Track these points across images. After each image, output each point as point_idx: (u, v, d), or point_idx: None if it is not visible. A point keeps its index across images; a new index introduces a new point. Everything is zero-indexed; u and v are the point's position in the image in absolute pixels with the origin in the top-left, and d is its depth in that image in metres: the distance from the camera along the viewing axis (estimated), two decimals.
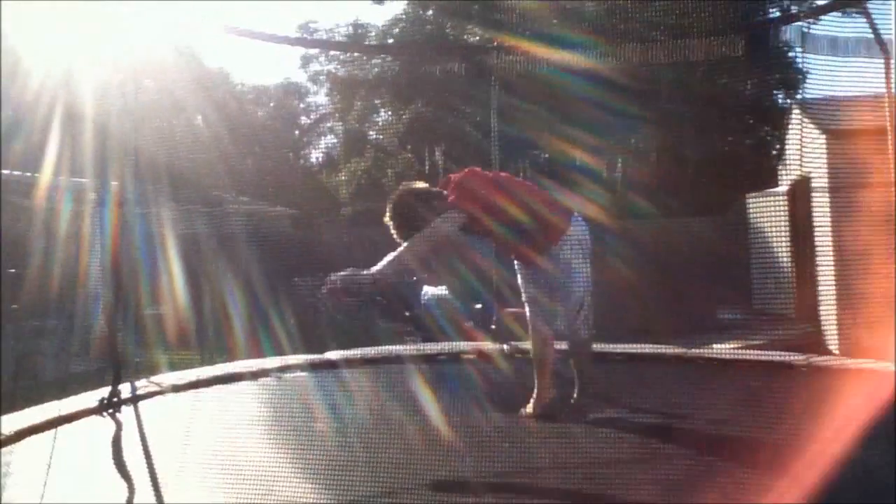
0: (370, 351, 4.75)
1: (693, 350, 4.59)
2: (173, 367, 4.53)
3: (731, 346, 5.74)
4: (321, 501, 2.52)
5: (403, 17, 13.39)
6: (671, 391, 3.65)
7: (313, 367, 4.42)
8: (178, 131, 4.89)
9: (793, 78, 9.21)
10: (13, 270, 3.87)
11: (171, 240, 6.22)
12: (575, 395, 3.28)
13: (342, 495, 2.50)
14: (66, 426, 3.31)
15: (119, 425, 3.45)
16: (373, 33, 14.16)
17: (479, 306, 5.56)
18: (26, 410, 3.46)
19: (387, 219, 3.37)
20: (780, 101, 10.80)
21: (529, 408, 3.37)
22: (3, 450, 2.92)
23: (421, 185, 3.44)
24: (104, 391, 3.67)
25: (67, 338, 4.04)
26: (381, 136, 13.57)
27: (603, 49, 4.62)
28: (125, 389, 3.82)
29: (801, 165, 6.56)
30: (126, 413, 3.57)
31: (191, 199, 6.41)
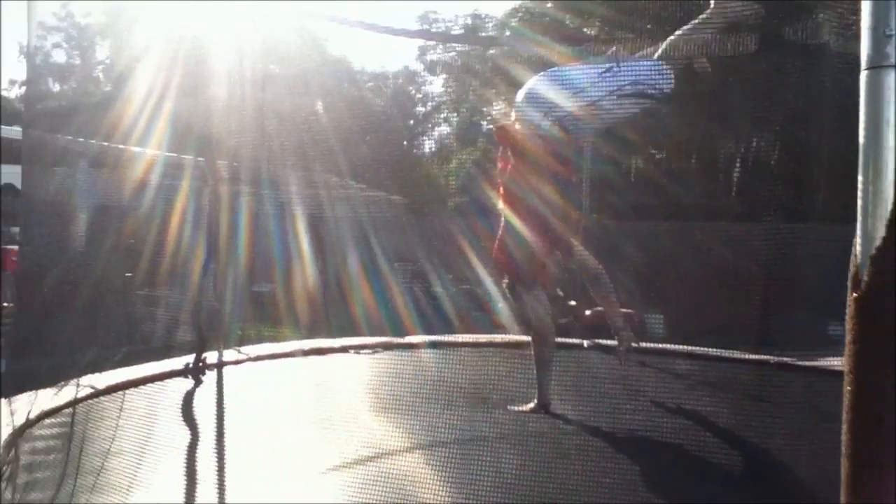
0: (459, 337, 4.94)
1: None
2: (269, 339, 4.86)
3: (839, 361, 5.49)
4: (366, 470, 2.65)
5: (522, 9, 13.37)
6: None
7: (393, 347, 4.72)
8: (299, 116, 5.10)
9: None
10: (131, 241, 4.21)
11: (285, 221, 6.52)
12: None
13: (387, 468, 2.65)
14: (156, 384, 3.77)
15: (198, 386, 3.90)
16: (490, 24, 14.22)
17: (573, 303, 5.59)
18: (130, 368, 3.89)
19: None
20: None
21: (526, 406, 3.46)
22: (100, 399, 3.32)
23: None
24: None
25: (177, 307, 4.38)
26: (492, 127, 13.59)
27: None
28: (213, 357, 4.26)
29: None
30: (208, 377, 4.03)
31: (306, 182, 6.67)
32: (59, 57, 26.08)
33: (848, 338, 1.44)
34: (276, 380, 4.37)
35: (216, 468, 2.85)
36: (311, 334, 5.27)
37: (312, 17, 5.73)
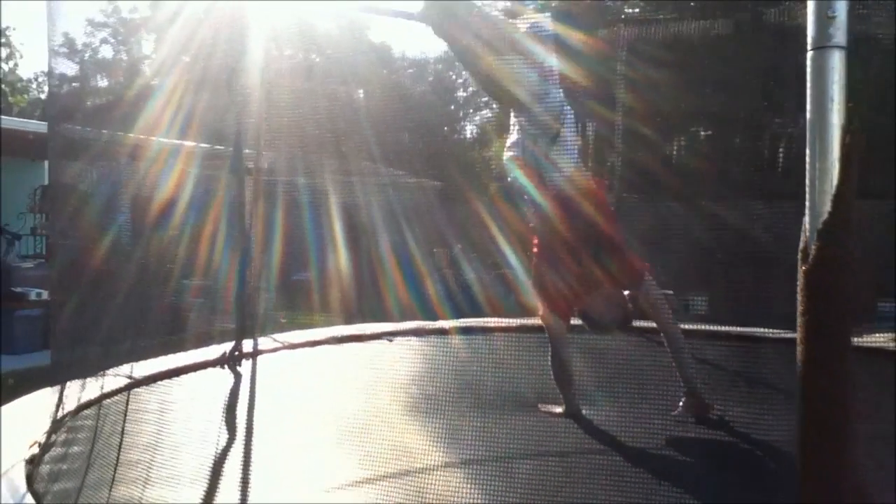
0: (491, 321, 4.96)
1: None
2: (307, 326, 4.92)
3: (886, 337, 5.41)
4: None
5: None
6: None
7: (427, 332, 4.75)
8: (338, 104, 5.14)
9: None
10: (173, 234, 4.30)
11: (327, 210, 6.58)
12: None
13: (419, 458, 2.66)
14: (192, 374, 3.88)
15: (237, 377, 3.99)
16: (531, 6, 14.09)
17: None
18: (166, 357, 4.01)
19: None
20: None
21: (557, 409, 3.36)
22: (138, 390, 3.42)
23: None
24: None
25: (216, 297, 4.47)
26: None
27: None
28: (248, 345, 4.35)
29: None
30: (245, 366, 4.13)
31: (347, 170, 6.72)
32: (107, 52, 26.61)
33: (798, 310, 1.48)
34: (316, 367, 4.43)
35: (245, 461, 2.90)
36: (351, 321, 5.33)
37: (348, 7, 5.77)
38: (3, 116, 11.94)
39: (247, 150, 4.86)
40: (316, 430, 3.17)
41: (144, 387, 3.59)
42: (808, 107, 1.53)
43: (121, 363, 3.35)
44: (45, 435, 3.02)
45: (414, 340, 4.74)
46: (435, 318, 5.26)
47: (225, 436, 3.16)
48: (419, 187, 9.32)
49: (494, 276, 7.85)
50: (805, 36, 1.56)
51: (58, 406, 3.21)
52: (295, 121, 4.56)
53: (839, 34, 1.50)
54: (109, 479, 2.56)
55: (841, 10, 1.50)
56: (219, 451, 2.94)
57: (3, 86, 26.01)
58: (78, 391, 3.25)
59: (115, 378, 3.37)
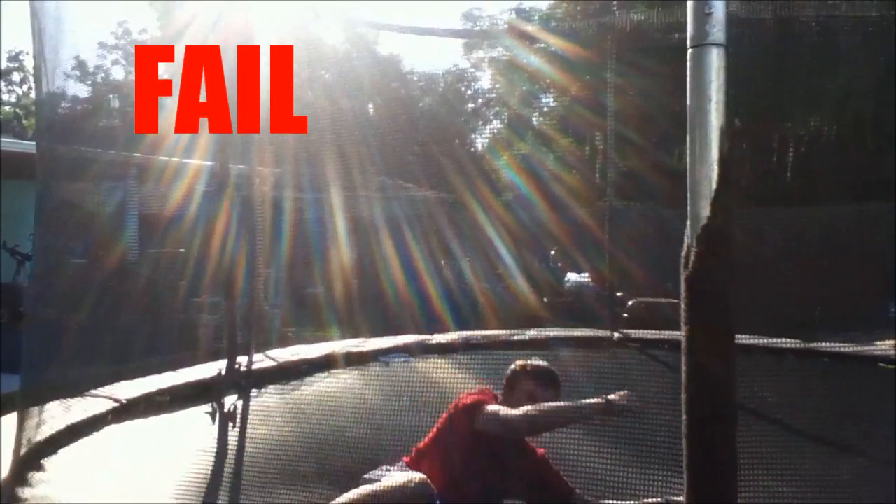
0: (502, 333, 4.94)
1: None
2: (315, 341, 4.89)
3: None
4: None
5: (565, 2, 13.27)
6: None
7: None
8: (348, 118, 5.14)
9: None
10: (182, 250, 4.30)
11: (333, 224, 6.59)
12: None
13: None
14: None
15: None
16: (536, 17, 14.13)
17: (620, 294, 5.53)
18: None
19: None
20: None
21: None
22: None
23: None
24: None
25: (225, 313, 4.45)
26: (542, 121, 13.56)
27: None
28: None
29: None
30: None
31: (356, 184, 6.74)
32: (118, 74, 26.87)
33: (682, 318, 1.46)
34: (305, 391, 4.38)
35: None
36: (360, 334, 5.32)
37: (356, 23, 5.81)
38: (11, 140, 12.02)
39: (248, 167, 4.86)
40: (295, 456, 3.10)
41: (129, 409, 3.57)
42: (689, 108, 1.46)
43: (107, 382, 3.34)
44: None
45: (412, 360, 4.64)
46: (441, 330, 5.22)
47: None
48: (427, 199, 9.33)
49: (505, 286, 7.85)
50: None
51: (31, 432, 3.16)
52: (305, 135, 4.56)
53: (717, 31, 1.44)
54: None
55: (718, 6, 1.44)
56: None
57: (17, 109, 26.37)
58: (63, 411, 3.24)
59: (98, 400, 3.36)
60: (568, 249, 7.64)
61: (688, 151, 1.46)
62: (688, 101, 1.45)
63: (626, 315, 4.90)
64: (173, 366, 4.00)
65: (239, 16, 4.65)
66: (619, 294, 5.54)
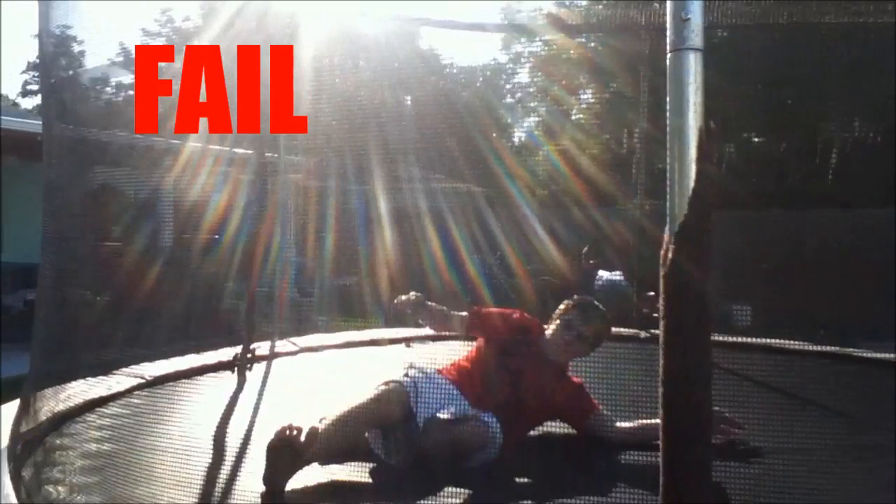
0: None
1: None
2: (344, 329, 4.94)
3: None
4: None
5: None
6: None
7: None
8: (386, 110, 5.19)
9: None
10: (216, 237, 4.37)
11: (370, 215, 6.64)
12: None
13: None
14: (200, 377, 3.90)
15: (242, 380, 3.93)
16: (576, 12, 14.05)
17: (651, 293, 5.49)
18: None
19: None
20: None
21: None
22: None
23: None
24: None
25: (258, 300, 4.53)
26: (580, 117, 13.48)
27: None
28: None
29: None
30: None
31: (393, 175, 6.78)
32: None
33: (660, 315, 1.50)
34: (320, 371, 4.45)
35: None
36: (391, 325, 5.37)
37: (397, 18, 5.85)
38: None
39: (291, 157, 4.92)
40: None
41: (150, 388, 3.65)
42: (668, 110, 1.52)
43: (114, 369, 3.40)
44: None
45: (431, 345, 4.71)
46: None
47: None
48: (464, 193, 9.35)
49: (538, 281, 7.84)
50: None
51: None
52: (342, 126, 4.62)
53: (694, 36, 1.49)
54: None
55: (696, 12, 1.50)
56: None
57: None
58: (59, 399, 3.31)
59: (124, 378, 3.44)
60: (601, 247, 7.63)
61: (667, 153, 1.54)
62: (668, 104, 1.53)
63: (655, 315, 4.88)
64: (197, 349, 4.09)
65: (283, 9, 4.72)
66: (650, 294, 5.52)
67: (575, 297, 3.49)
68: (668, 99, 1.52)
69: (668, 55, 1.52)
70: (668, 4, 1.50)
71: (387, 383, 3.04)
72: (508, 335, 3.29)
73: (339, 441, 2.78)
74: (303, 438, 2.61)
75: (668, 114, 1.51)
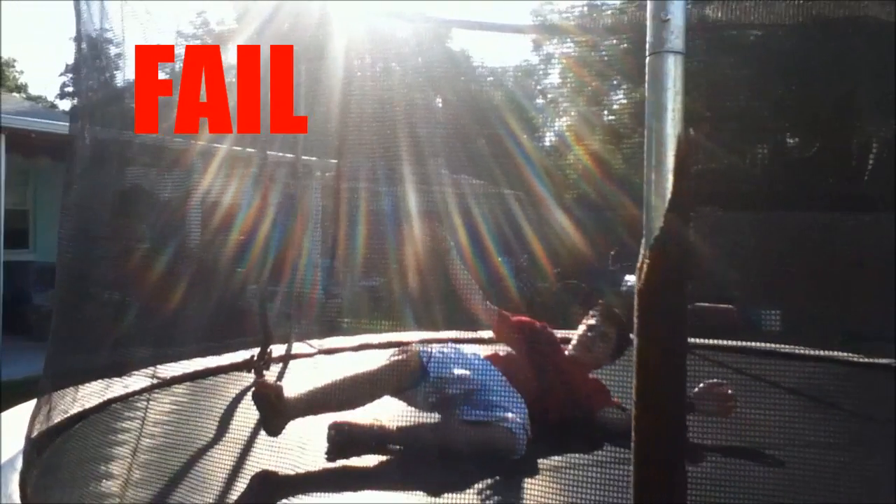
0: None
1: None
2: (369, 332, 4.94)
3: None
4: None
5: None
6: None
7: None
8: (417, 112, 5.19)
9: None
10: (242, 237, 4.40)
11: (397, 217, 6.64)
12: None
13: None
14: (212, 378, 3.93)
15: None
16: (609, 12, 13.97)
17: None
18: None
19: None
20: None
21: None
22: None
23: None
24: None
25: (287, 301, 4.55)
26: (612, 118, 13.40)
27: None
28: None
29: None
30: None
31: (423, 178, 6.78)
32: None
33: (635, 331, 1.44)
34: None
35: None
36: (420, 328, 5.37)
37: (427, 19, 5.85)
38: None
39: (315, 158, 4.93)
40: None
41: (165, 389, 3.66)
42: (647, 116, 1.47)
43: (126, 371, 3.42)
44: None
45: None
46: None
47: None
48: (490, 194, 9.33)
49: (563, 285, 7.79)
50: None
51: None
52: (372, 128, 4.63)
53: (675, 38, 1.42)
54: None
55: (677, 12, 1.42)
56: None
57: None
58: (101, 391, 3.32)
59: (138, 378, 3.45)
60: (629, 251, 7.52)
61: (644, 161, 1.46)
62: (646, 109, 1.48)
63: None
64: (219, 350, 4.12)
65: (315, 11, 4.73)
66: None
67: (600, 303, 3.55)
68: (646, 104, 1.45)
69: (647, 58, 1.45)
70: (648, 4, 1.42)
71: (401, 350, 3.15)
72: (528, 345, 3.37)
73: (350, 400, 2.87)
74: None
75: (646, 120, 1.44)
